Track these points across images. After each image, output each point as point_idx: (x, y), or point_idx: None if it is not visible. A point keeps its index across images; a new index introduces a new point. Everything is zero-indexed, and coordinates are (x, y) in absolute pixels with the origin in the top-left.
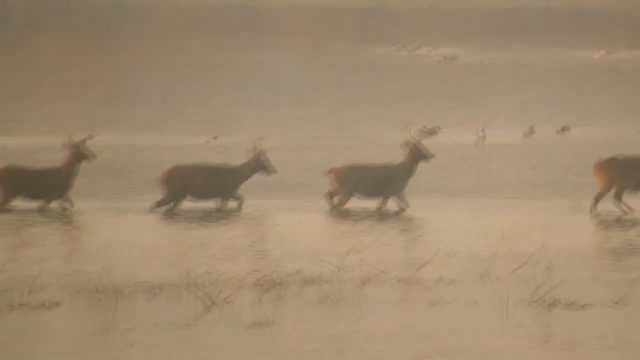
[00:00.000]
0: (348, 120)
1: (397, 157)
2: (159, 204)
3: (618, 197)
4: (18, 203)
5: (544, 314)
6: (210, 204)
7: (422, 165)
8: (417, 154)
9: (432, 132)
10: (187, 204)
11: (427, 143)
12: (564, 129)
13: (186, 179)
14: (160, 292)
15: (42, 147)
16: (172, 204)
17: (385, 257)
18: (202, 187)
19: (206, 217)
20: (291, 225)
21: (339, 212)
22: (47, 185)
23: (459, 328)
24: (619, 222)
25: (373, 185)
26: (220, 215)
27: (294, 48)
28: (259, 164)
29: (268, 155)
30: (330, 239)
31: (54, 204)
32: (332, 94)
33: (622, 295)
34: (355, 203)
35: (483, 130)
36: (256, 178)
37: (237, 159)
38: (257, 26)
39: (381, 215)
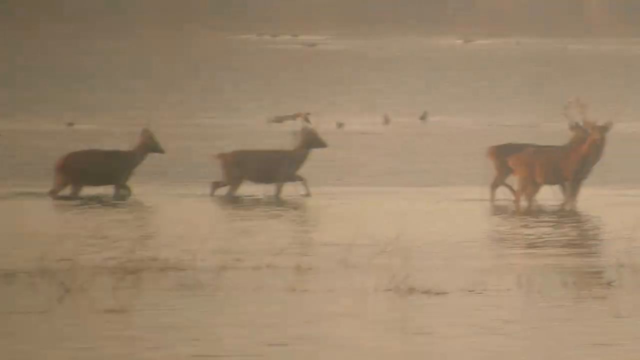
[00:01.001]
0: (205, 106)
1: (253, 144)
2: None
3: (496, 184)
4: None
5: (400, 302)
6: (108, 190)
7: None
8: (310, 142)
9: (279, 120)
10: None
11: (282, 131)
12: (423, 116)
13: (82, 166)
14: (15, 279)
15: None
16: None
17: (245, 244)
18: (98, 173)
19: (87, 204)
20: (164, 213)
21: (221, 200)
22: None
23: (315, 316)
24: (487, 210)
25: (261, 172)
26: (104, 202)
27: (154, 34)
28: (150, 146)
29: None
30: (197, 226)
31: None
32: (190, 80)
33: (477, 282)
34: (254, 189)
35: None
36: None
37: (94, 146)
38: (115, 11)
39: (255, 202)
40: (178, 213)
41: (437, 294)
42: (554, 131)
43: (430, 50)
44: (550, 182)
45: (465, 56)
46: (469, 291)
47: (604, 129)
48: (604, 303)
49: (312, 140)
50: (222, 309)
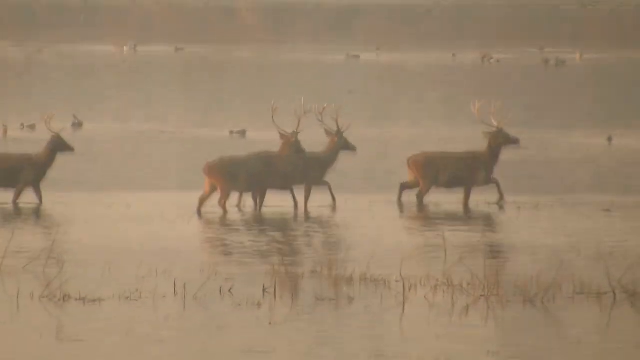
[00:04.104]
0: None
1: None
2: None
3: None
4: None
5: (55, 309)
6: None
7: None
8: (56, 145)
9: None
10: None
11: None
12: (77, 124)
13: None
14: None
15: None
16: None
17: None
18: None
19: None
20: None
21: None
22: None
23: None
24: (155, 218)
25: (7, 176)
26: None
27: None
28: None
29: None
30: None
31: None
32: None
33: (133, 290)
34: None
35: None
36: None
37: None
38: None
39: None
40: None
41: (93, 301)
42: (195, 137)
43: (88, 57)
44: (248, 190)
45: (123, 63)
46: (125, 298)
47: (291, 136)
48: (259, 310)
49: (59, 144)
50: None
